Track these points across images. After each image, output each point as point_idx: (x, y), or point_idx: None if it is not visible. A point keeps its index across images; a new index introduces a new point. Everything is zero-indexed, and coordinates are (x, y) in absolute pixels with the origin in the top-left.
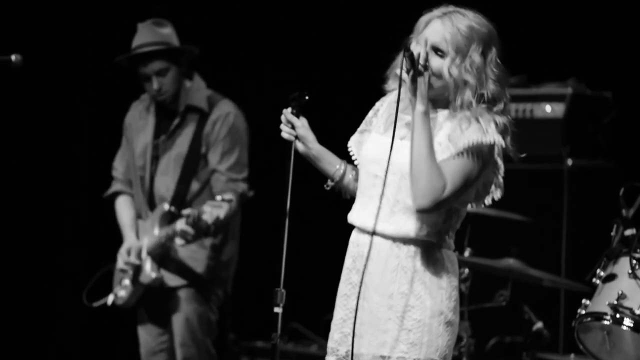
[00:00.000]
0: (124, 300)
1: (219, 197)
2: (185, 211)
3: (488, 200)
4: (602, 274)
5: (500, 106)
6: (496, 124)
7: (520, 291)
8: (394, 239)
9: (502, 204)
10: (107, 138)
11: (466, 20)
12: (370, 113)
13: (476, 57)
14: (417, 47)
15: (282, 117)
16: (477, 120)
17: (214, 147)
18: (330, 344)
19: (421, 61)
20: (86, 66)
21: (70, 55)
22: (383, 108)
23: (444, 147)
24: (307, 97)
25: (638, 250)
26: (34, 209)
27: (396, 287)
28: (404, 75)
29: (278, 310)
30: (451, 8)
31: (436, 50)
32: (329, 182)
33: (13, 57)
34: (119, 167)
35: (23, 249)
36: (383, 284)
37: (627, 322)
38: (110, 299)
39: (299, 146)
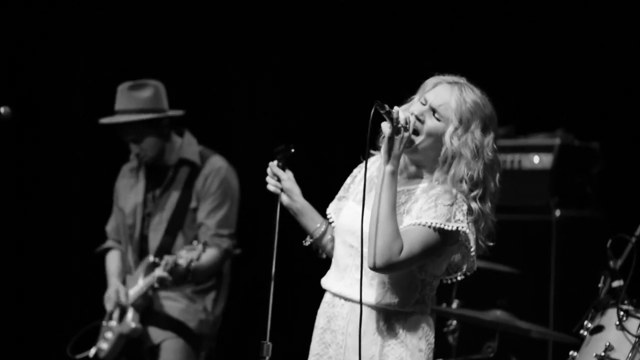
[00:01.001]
0: (105, 353)
1: (195, 242)
2: (164, 259)
3: (460, 277)
4: (589, 325)
5: (480, 192)
6: (470, 210)
7: (508, 342)
8: (372, 308)
9: (491, 255)
10: (98, 197)
11: (474, 95)
12: (348, 180)
13: (478, 134)
14: (402, 112)
15: (268, 170)
16: (451, 204)
17: (204, 201)
18: None
19: (402, 122)
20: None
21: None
22: (361, 175)
23: (413, 216)
24: (293, 150)
25: (625, 301)
26: (25, 262)
27: (377, 349)
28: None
29: None
30: (462, 80)
31: (434, 112)
32: (308, 239)
33: (2, 110)
34: (110, 228)
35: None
36: (364, 346)
37: None
38: (92, 351)
39: (284, 199)
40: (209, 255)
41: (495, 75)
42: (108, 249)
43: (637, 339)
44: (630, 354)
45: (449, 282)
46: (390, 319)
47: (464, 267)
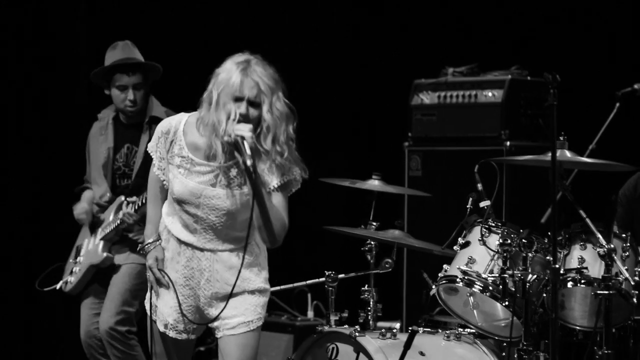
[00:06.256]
0: (72, 286)
1: None
2: (131, 198)
3: None
4: (462, 241)
5: (286, 148)
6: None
7: (421, 261)
8: (231, 250)
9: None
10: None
11: (264, 69)
12: (159, 140)
13: (280, 101)
14: (248, 144)
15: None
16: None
17: None
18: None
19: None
20: None
21: None
22: (175, 145)
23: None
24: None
25: (490, 220)
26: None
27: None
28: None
29: None
30: (249, 56)
31: (252, 103)
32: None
33: None
34: (87, 177)
35: None
36: (231, 276)
37: (478, 284)
38: (59, 284)
39: None
40: None
41: (465, 17)
42: (85, 188)
43: (495, 253)
44: (487, 266)
45: None
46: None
47: None
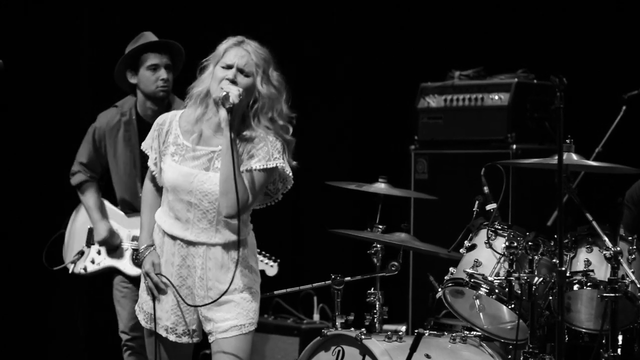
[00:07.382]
0: (87, 273)
1: None
2: None
3: (279, 198)
4: (468, 244)
5: (284, 123)
6: (283, 145)
7: (427, 264)
8: (223, 246)
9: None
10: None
11: (258, 46)
12: (155, 134)
13: (274, 74)
14: (233, 95)
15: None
16: (267, 146)
17: None
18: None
19: (236, 101)
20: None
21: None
22: (171, 135)
23: (244, 164)
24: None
25: (496, 222)
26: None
27: (236, 275)
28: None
29: None
30: (242, 38)
31: (242, 71)
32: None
33: None
34: (84, 161)
35: None
36: (224, 274)
37: (484, 287)
38: (78, 269)
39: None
40: None
41: (470, 22)
42: (83, 182)
43: (501, 255)
44: (494, 268)
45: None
46: (237, 247)
47: (281, 190)
